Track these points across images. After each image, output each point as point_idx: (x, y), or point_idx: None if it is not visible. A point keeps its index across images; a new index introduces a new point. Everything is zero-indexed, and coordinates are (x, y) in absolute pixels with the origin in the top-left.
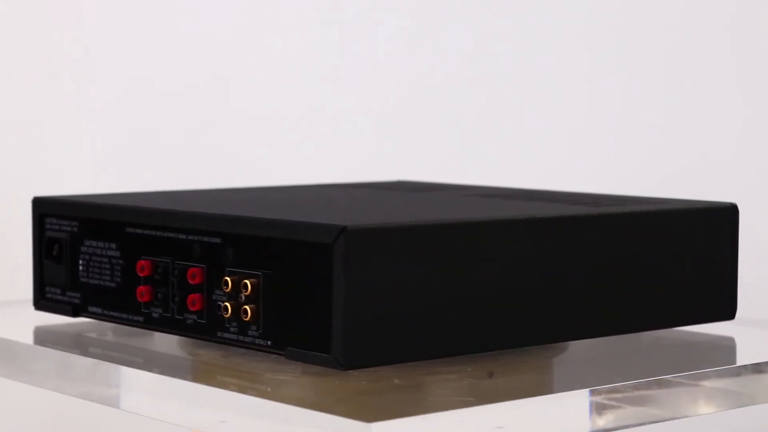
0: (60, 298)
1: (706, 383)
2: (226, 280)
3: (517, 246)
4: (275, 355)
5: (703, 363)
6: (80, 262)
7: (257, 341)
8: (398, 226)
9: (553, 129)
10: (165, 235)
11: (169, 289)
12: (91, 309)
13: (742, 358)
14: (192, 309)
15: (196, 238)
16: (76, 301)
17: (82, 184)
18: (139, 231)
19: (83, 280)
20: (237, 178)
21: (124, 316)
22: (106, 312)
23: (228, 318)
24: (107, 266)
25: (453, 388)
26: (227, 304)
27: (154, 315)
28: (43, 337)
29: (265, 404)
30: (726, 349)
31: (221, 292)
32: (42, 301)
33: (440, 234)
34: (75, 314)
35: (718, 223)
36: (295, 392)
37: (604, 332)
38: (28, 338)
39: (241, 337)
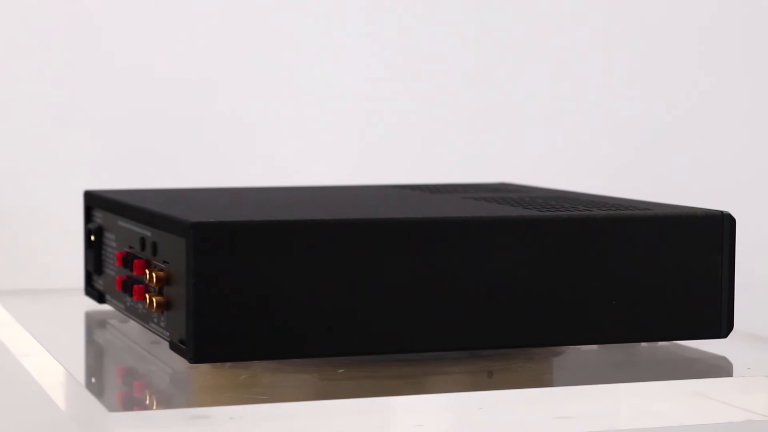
0: (94, 285)
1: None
2: (146, 272)
3: (391, 248)
4: None
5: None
6: (102, 252)
7: (164, 333)
8: (249, 223)
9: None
10: (129, 227)
11: (129, 281)
12: (107, 297)
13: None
14: (136, 299)
15: (142, 231)
16: (101, 288)
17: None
18: (122, 224)
19: (105, 269)
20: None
21: (120, 305)
22: (112, 300)
23: (148, 308)
24: (111, 257)
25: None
26: (147, 295)
27: (128, 304)
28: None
29: None
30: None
31: (150, 284)
32: (87, 287)
33: (293, 232)
34: (101, 301)
35: (705, 233)
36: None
37: (541, 342)
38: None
39: (155, 327)
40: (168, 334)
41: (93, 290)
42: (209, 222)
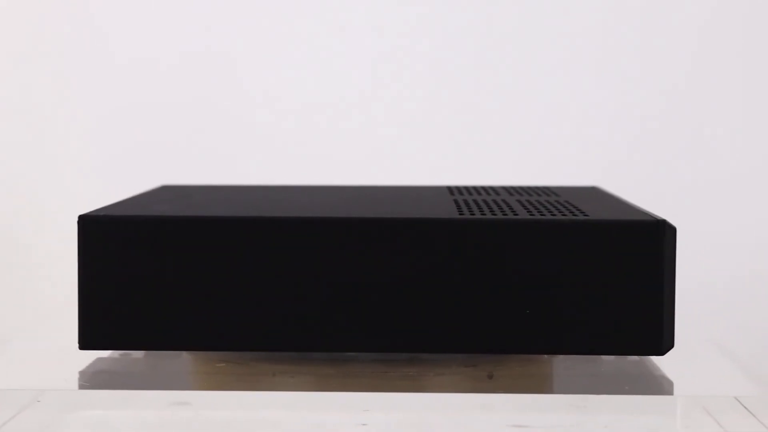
0: None
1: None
2: None
3: (278, 246)
4: None
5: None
6: None
7: None
8: (132, 218)
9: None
10: None
11: None
12: None
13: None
14: None
15: None
16: None
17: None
18: None
19: None
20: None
21: None
22: None
23: None
24: None
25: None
26: None
27: None
28: None
29: None
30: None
31: None
32: None
33: (179, 228)
34: None
35: (639, 242)
36: None
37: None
38: None
39: None
40: None
41: None
42: (93, 215)
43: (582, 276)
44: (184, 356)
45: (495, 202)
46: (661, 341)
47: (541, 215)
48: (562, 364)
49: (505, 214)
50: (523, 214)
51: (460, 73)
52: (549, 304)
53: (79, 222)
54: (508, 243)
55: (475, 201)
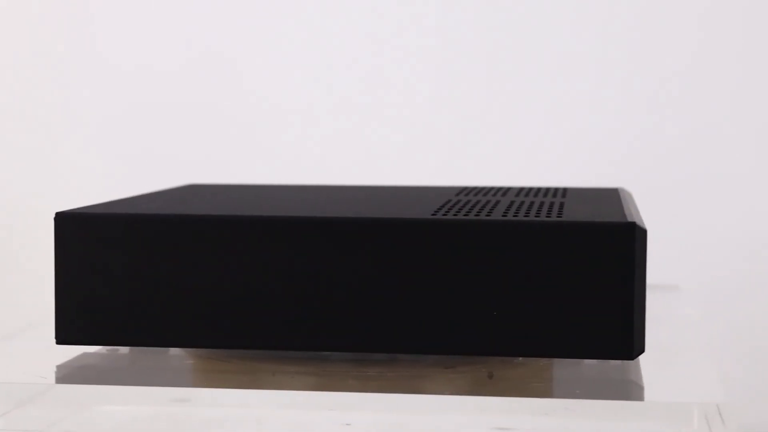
0: None
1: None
2: None
3: (248, 246)
4: None
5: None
6: None
7: None
8: (106, 216)
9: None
10: None
11: None
12: None
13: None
14: None
15: None
16: None
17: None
18: None
19: None
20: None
21: None
22: None
23: None
24: None
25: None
26: None
27: None
28: None
29: None
30: None
31: None
32: None
33: (147, 226)
34: None
35: (605, 245)
36: None
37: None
38: None
39: None
40: None
41: None
42: (68, 213)
43: (550, 278)
44: (182, 353)
45: (489, 203)
46: (632, 345)
47: (514, 216)
48: (557, 367)
49: (477, 215)
50: (496, 216)
51: (507, 71)
52: (516, 306)
53: (55, 219)
54: (474, 244)
55: (469, 202)
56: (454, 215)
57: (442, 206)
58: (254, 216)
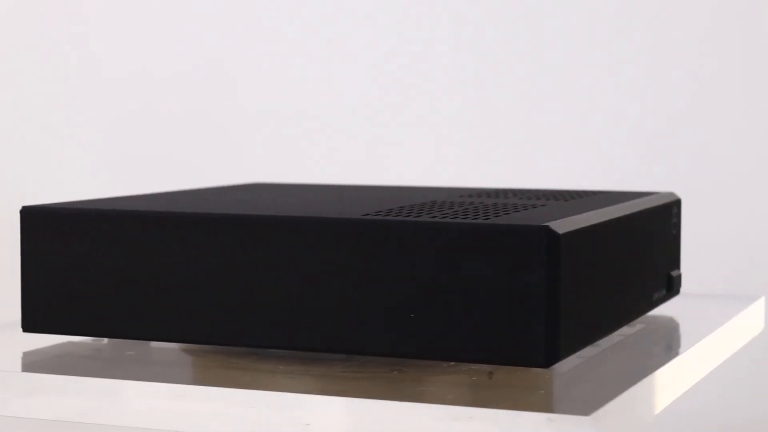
0: None
1: None
2: None
3: (204, 242)
4: None
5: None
6: None
7: None
8: (70, 210)
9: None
10: None
11: None
12: None
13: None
14: None
15: None
16: None
17: None
18: None
19: None
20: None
21: None
22: None
23: None
24: None
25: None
26: None
27: None
28: None
29: None
30: None
31: None
32: None
33: (110, 221)
34: None
35: (519, 248)
36: None
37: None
38: None
39: None
40: None
41: None
42: (33, 207)
43: (466, 281)
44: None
45: (472, 204)
46: (543, 353)
47: (456, 219)
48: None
49: (397, 216)
50: (448, 218)
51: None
52: (433, 309)
53: (21, 213)
54: (399, 244)
55: (452, 203)
56: (384, 216)
57: (406, 208)
58: (196, 213)
